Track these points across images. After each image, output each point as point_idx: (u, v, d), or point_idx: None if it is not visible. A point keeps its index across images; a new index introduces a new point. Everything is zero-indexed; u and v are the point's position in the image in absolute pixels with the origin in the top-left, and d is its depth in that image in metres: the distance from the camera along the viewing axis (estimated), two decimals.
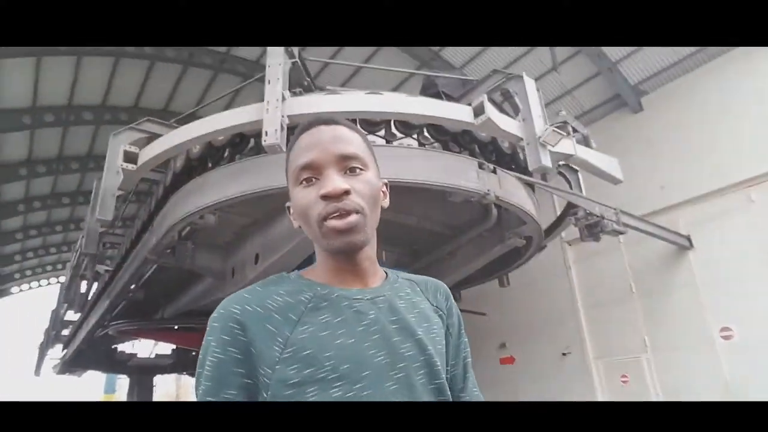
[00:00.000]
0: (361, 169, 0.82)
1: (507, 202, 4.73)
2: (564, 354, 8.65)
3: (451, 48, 9.07)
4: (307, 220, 0.81)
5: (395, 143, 4.62)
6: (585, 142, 5.53)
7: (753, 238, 6.74)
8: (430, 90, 5.45)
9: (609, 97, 8.88)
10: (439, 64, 9.04)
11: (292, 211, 0.86)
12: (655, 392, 7.28)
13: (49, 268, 18.65)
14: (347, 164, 0.81)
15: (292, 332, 0.77)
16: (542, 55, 8.20)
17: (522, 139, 4.26)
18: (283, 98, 3.73)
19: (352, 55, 9.20)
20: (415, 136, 4.80)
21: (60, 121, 9.41)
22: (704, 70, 7.75)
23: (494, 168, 4.72)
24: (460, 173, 4.43)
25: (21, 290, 19.75)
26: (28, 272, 18.23)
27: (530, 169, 4.21)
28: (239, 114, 3.93)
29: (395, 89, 8.84)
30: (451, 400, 0.84)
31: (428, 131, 4.83)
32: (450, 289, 1.00)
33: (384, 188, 0.90)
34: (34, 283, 19.77)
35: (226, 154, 5.10)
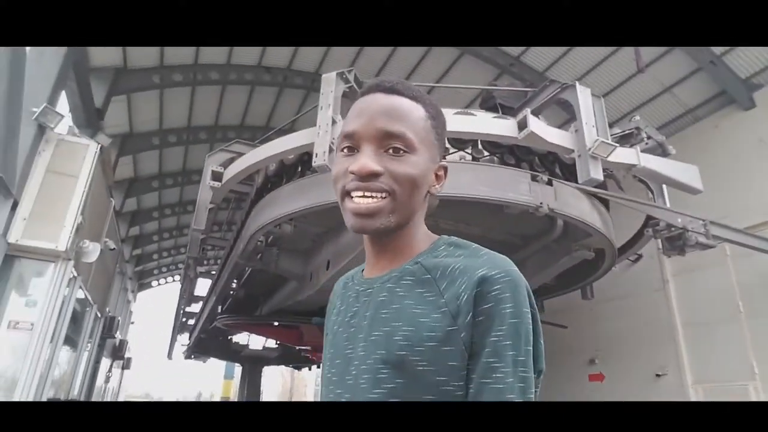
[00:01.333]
0: (405, 151, 0.75)
1: (563, 214, 4.61)
2: (658, 375, 7.92)
3: (534, 51, 8.84)
4: (335, 191, 0.79)
5: (447, 158, 4.77)
6: (661, 149, 5.14)
7: None
8: (489, 102, 5.48)
9: (715, 93, 7.98)
10: (518, 69, 8.86)
11: None
12: None
13: (180, 265, 21.48)
14: (389, 143, 0.75)
15: (332, 314, 0.91)
16: (632, 53, 7.68)
17: (573, 150, 4.16)
18: (333, 122, 4.10)
19: (430, 71, 9.40)
20: (468, 150, 4.90)
21: (181, 140, 10.97)
22: None
23: (549, 179, 4.64)
24: (510, 186, 4.44)
25: (159, 284, 22.98)
26: (164, 269, 21.15)
27: (580, 181, 4.09)
28: (296, 138, 4.39)
29: (469, 105, 8.87)
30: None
31: (483, 145, 4.89)
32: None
33: (440, 171, 0.83)
34: (170, 278, 22.91)
35: (299, 170, 5.66)
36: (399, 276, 0.78)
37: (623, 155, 4.31)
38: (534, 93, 5.05)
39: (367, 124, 0.76)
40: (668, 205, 5.70)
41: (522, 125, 3.97)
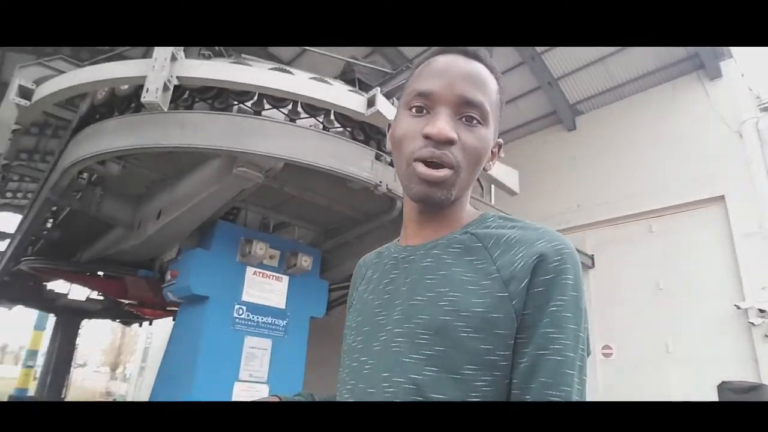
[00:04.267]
0: (479, 122, 0.73)
1: (399, 196, 4.89)
2: None
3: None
4: (399, 151, 0.75)
5: (298, 122, 4.70)
6: None
7: (648, 269, 7.17)
8: (349, 75, 5.52)
9: (548, 112, 9.14)
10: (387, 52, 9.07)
11: (390, 132, 0.80)
12: None
13: None
14: (466, 111, 0.72)
15: (360, 285, 0.89)
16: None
17: None
18: (173, 58, 3.74)
19: None
20: (321, 118, 4.88)
21: None
22: (637, 100, 8.06)
23: (392, 161, 4.85)
24: (354, 161, 4.55)
25: None
26: None
27: None
28: (131, 66, 3.92)
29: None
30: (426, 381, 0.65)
31: (335, 116, 4.91)
32: None
33: (495, 148, 0.81)
34: None
35: (132, 104, 5.07)
36: (446, 243, 0.75)
37: None
38: (391, 75, 5.21)
39: (446, 86, 0.72)
40: (493, 202, 6.41)
41: (371, 103, 4.07)
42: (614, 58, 7.80)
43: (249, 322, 5.79)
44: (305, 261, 6.08)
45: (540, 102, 9.13)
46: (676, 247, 6.98)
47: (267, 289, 6.11)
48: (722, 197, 6.75)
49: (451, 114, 0.73)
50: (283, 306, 6.10)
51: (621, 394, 6.80)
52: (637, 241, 7.36)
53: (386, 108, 4.18)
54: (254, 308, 5.84)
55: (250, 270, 5.94)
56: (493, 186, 6.49)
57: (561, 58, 8.14)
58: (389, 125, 0.85)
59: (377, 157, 4.71)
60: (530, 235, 0.71)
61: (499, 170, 5.36)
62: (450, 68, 0.75)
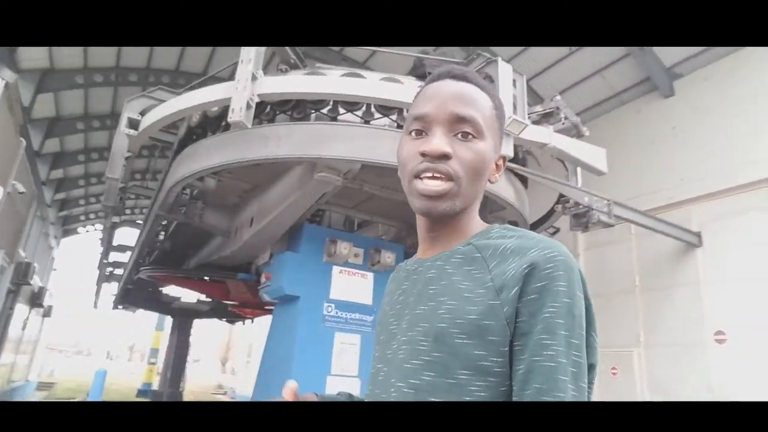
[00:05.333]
0: (473, 136, 0.77)
1: None
2: None
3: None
4: (403, 172, 0.80)
5: (372, 122, 4.80)
6: (576, 130, 5.42)
7: (766, 243, 6.37)
8: (419, 70, 5.52)
9: (640, 79, 8.42)
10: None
11: (397, 155, 0.85)
12: (641, 387, 7.23)
13: None
14: (459, 127, 0.77)
15: (384, 298, 0.95)
16: None
17: None
18: (254, 78, 4.00)
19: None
20: (394, 117, 4.94)
21: (109, 81, 10.25)
22: (745, 54, 7.16)
23: None
24: None
25: (87, 231, 21.86)
26: (92, 215, 20.08)
27: None
28: (218, 90, 4.25)
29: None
30: (425, 384, 0.70)
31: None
32: None
33: (499, 161, 0.85)
34: (99, 225, 21.82)
35: (222, 123, 5.50)
36: (449, 255, 0.79)
37: (536, 134, 4.52)
38: (462, 65, 5.12)
39: (438, 107, 0.77)
40: (580, 184, 6.08)
41: None
42: None
43: (338, 319, 6.00)
44: (389, 257, 6.20)
45: (630, 69, 8.42)
46: None
47: (353, 286, 6.30)
48: None
49: (445, 131, 0.77)
50: (369, 302, 6.26)
51: (737, 389, 6.14)
52: (754, 215, 6.55)
53: None
54: (342, 305, 6.05)
55: (336, 269, 6.17)
56: (578, 168, 6.15)
57: None
58: None
59: None
60: (525, 244, 0.72)
61: (583, 150, 5.07)
62: (441, 91, 0.80)
